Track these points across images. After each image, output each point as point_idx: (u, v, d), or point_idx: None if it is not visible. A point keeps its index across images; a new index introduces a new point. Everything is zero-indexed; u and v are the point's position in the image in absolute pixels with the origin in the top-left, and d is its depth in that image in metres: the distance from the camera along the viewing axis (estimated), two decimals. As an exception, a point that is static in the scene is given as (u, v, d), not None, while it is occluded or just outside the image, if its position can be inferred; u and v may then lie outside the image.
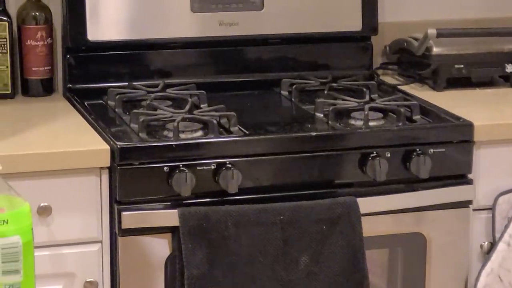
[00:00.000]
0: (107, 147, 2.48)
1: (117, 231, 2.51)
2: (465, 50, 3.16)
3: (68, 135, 2.64)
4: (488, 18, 3.44)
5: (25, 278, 1.18)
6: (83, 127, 2.68)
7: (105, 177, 2.51)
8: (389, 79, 3.26)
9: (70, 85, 3.03)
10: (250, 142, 2.59)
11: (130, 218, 2.49)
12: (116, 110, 2.83)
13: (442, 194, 2.72)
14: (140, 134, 2.57)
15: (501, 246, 2.75)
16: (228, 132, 2.63)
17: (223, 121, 2.68)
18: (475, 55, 3.16)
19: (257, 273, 2.57)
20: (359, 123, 2.70)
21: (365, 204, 2.62)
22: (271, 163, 2.60)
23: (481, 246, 2.79)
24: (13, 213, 1.17)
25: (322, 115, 2.77)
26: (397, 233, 2.74)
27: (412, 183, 2.70)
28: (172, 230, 2.52)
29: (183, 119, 2.63)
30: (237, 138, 2.59)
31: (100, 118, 2.72)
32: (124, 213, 2.47)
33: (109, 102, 2.91)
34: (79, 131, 2.65)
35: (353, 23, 3.23)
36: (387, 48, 3.32)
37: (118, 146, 2.46)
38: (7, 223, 1.15)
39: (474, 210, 2.77)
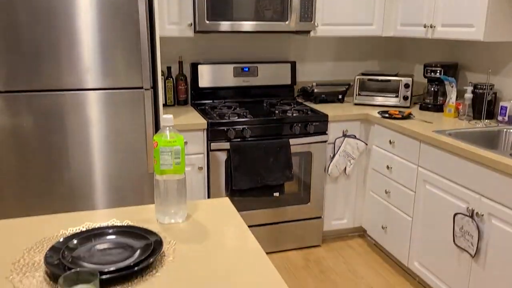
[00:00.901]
0: (205, 121, 2.53)
1: (209, 150, 2.57)
2: (325, 90, 3.10)
3: (192, 118, 2.61)
4: (335, 79, 3.36)
5: (181, 162, 1.20)
6: (197, 115, 2.68)
7: (205, 131, 2.55)
8: (300, 100, 3.16)
9: (193, 101, 3.00)
10: (253, 120, 2.61)
11: (213, 145, 2.56)
12: (208, 109, 2.81)
13: (317, 138, 2.73)
14: (216, 117, 2.61)
15: (336, 156, 2.79)
16: (246, 117, 2.63)
17: (244, 113, 2.67)
18: (329, 92, 3.10)
19: (256, 166, 2.60)
20: (290, 114, 2.71)
21: (292, 142, 2.66)
22: (260, 127, 2.62)
23: (330, 156, 2.81)
24: (177, 138, 1.19)
25: (277, 111, 2.77)
26: (302, 151, 2.74)
27: (306, 134, 2.71)
28: (228, 150, 2.57)
29: (231, 113, 2.67)
30: (248, 119, 2.60)
31: (203, 113, 2.73)
32: (211, 143, 2.55)
33: (206, 107, 2.86)
34: (196, 117, 2.64)
35: (287, 80, 3.11)
36: (299, 90, 3.21)
37: (209, 121, 2.54)
38: (175, 142, 1.18)
39: (327, 143, 2.79)
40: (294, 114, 2.76)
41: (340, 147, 2.82)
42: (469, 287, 2.08)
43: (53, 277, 0.97)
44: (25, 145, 2.20)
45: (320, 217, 2.92)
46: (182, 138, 1.22)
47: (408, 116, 2.68)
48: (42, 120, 2.20)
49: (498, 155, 1.93)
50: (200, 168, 2.62)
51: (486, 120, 2.57)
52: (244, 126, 2.62)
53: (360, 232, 3.14)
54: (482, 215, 1.96)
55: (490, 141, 2.40)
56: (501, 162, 1.85)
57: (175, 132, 1.21)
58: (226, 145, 2.60)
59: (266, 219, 2.81)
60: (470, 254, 2.02)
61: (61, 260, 0.99)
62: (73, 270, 0.86)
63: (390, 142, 2.64)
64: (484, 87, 2.56)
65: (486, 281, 1.99)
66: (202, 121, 2.57)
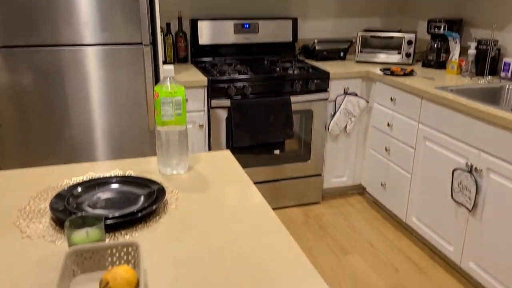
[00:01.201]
0: (206, 78, 2.51)
1: (209, 107, 2.56)
2: (327, 47, 3.04)
3: (192, 75, 2.58)
4: (337, 36, 3.32)
5: (183, 113, 1.20)
6: (198, 73, 2.65)
7: (206, 89, 2.53)
8: (301, 58, 3.14)
9: (193, 58, 2.97)
10: (254, 77, 2.59)
11: (214, 103, 2.55)
12: (209, 67, 2.79)
13: (318, 95, 2.72)
14: (217, 74, 2.59)
15: (337, 114, 2.79)
16: (246, 74, 2.61)
17: (245, 70, 2.66)
18: (331, 49, 3.06)
19: (257, 123, 2.60)
20: (291, 72, 2.68)
21: (292, 99, 2.65)
22: (261, 84, 2.60)
23: (330, 114, 2.81)
24: (178, 89, 1.18)
25: (278, 69, 2.74)
26: (303, 109, 2.74)
27: (307, 92, 2.70)
28: (228, 107, 2.57)
29: (231, 70, 2.66)
30: (249, 76, 2.58)
31: (203, 70, 2.71)
32: (212, 100, 2.54)
33: (206, 65, 2.84)
34: (196, 74, 2.62)
35: (289, 37, 3.06)
36: (300, 47, 3.17)
37: (210, 78, 2.52)
38: (176, 93, 1.17)
39: (328, 101, 2.78)
40: (295, 72, 2.73)
41: (341, 104, 2.81)
42: (466, 241, 2.13)
43: (58, 222, 0.99)
44: (25, 101, 2.21)
45: (320, 175, 2.93)
46: (183, 89, 1.22)
47: (410, 73, 2.66)
48: (41, 75, 2.19)
49: (498, 110, 1.93)
50: (201, 126, 2.62)
51: (489, 77, 2.55)
52: (244, 84, 2.60)
53: (360, 190, 3.17)
54: (481, 170, 1.98)
55: (492, 97, 2.39)
56: (502, 116, 1.86)
57: (176, 84, 1.20)
58: (227, 102, 2.59)
59: (267, 177, 2.82)
60: (468, 209, 2.06)
61: (66, 206, 1.01)
62: (78, 214, 0.88)
63: (391, 99, 2.62)
64: (488, 43, 2.52)
65: (483, 234, 2.03)
66: (202, 78, 2.55)
